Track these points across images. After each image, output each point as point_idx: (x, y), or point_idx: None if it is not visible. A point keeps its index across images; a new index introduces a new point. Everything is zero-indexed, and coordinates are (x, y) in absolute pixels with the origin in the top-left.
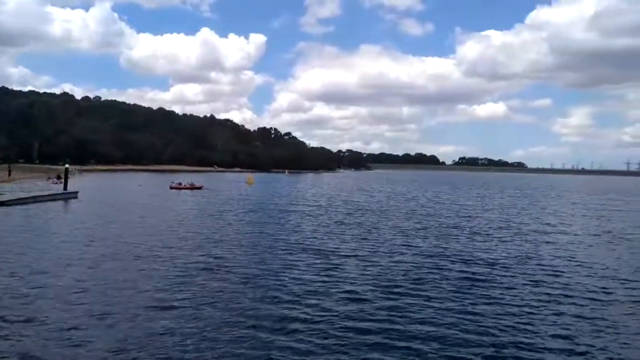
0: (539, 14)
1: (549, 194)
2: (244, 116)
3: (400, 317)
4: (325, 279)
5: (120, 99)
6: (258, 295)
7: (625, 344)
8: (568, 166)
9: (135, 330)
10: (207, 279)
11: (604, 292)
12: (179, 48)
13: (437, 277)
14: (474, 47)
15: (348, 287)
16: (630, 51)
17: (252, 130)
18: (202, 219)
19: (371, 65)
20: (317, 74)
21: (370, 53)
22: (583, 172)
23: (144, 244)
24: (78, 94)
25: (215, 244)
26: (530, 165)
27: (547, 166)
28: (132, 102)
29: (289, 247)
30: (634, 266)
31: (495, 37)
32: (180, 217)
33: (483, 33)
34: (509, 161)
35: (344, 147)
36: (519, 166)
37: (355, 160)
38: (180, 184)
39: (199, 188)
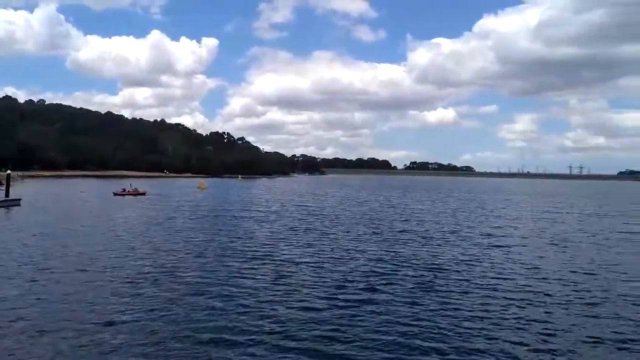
0: (486, 23)
1: (496, 197)
2: (195, 120)
3: (352, 325)
4: (278, 287)
5: (66, 102)
6: (209, 307)
7: (570, 342)
8: (514, 170)
9: (80, 349)
10: (155, 291)
11: (550, 294)
12: (128, 51)
13: (389, 283)
14: (424, 55)
15: (300, 297)
16: (572, 60)
17: (204, 134)
18: (150, 227)
19: (324, 70)
20: (270, 78)
21: (323, 59)
22: (528, 175)
23: (88, 254)
24: (21, 97)
25: (164, 253)
26: (478, 169)
27: (494, 170)
28: (78, 106)
29: (241, 255)
30: (577, 268)
31: (445, 45)
32: (128, 225)
33: (433, 41)
34: (458, 165)
35: (299, 152)
36: (468, 170)
37: (309, 165)
38: (124, 190)
39: (143, 194)
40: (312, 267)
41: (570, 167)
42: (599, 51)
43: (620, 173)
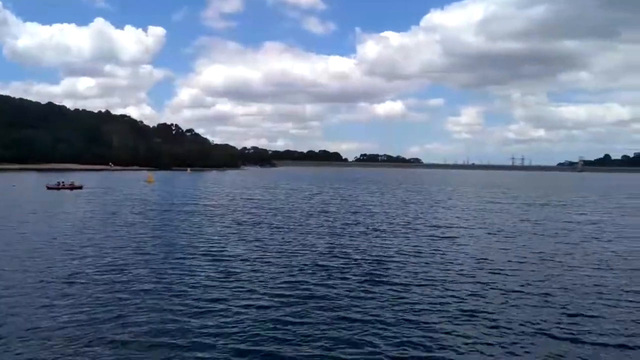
0: (432, 17)
1: (445, 189)
2: (142, 112)
3: (301, 323)
4: (226, 285)
5: (3, 92)
6: (151, 308)
7: (513, 332)
8: (460, 162)
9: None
10: (88, 292)
11: (493, 284)
12: (70, 39)
13: (338, 278)
14: (373, 48)
15: (249, 294)
16: (515, 55)
17: (151, 126)
18: (92, 223)
19: (275, 62)
20: (219, 69)
21: (274, 50)
22: (473, 167)
23: (19, 255)
24: None
25: (108, 251)
26: (425, 161)
27: (441, 162)
28: (17, 96)
29: (188, 251)
30: (521, 257)
31: (393, 38)
32: (67, 222)
33: (382, 34)
34: (407, 157)
35: (249, 144)
36: (416, 162)
37: (260, 158)
38: (59, 183)
39: (79, 188)
40: (261, 263)
41: (513, 158)
42: (540, 46)
43: (560, 164)
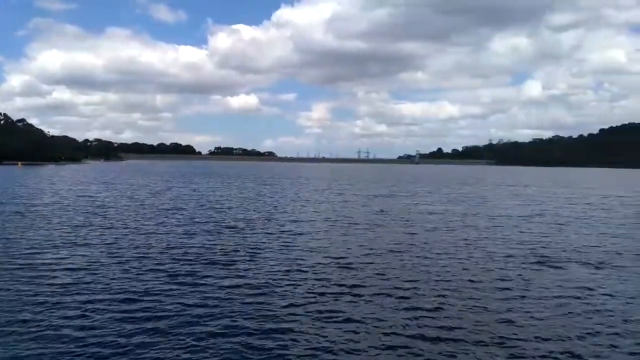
0: (284, 13)
1: (297, 180)
2: None
3: (133, 345)
4: (48, 300)
5: None
6: None
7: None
8: (312, 155)
9: None
10: None
11: (340, 281)
12: None
13: (187, 283)
14: (225, 40)
15: (74, 312)
16: (360, 54)
17: None
18: None
19: (121, 49)
20: (57, 55)
21: (118, 36)
22: (324, 160)
23: None
24: None
25: None
26: (279, 154)
27: (295, 155)
28: None
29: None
30: (369, 249)
31: (245, 31)
32: None
33: (234, 26)
34: (261, 151)
35: (92, 135)
36: (270, 155)
37: (105, 150)
38: None
39: None
40: (89, 272)
41: (359, 152)
42: (383, 47)
43: (400, 157)
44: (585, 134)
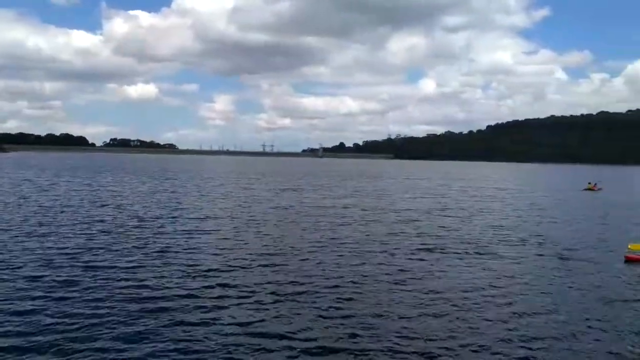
0: (184, 1)
1: (199, 175)
2: None
3: None
4: None
5: None
6: None
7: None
8: (215, 148)
9: None
10: None
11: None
12: None
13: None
14: (122, 26)
15: None
16: (263, 46)
17: None
18: None
19: (4, 32)
20: None
21: (2, 18)
22: (228, 153)
23: None
24: None
25: None
26: (181, 146)
27: (197, 147)
28: None
29: None
30: (271, 247)
31: (143, 18)
32: None
33: (131, 12)
34: (161, 143)
35: None
36: (171, 147)
37: None
38: None
39: None
40: None
41: (264, 145)
42: (286, 40)
43: (304, 150)
44: (475, 130)
